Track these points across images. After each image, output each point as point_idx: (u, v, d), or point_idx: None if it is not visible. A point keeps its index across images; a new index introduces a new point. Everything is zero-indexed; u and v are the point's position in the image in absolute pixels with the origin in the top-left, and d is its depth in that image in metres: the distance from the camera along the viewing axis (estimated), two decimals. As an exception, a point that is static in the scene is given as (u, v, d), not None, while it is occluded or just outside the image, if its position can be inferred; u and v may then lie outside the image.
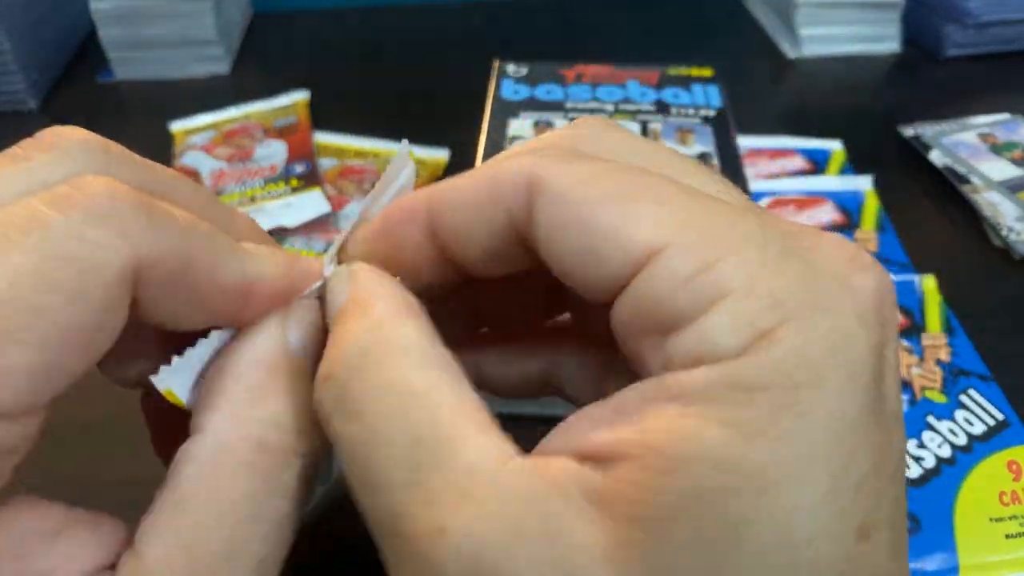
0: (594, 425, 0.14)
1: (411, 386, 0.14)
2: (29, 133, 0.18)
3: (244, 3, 0.75)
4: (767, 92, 0.68)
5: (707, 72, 0.44)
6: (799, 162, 0.56)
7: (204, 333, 0.17)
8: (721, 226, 0.14)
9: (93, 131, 0.17)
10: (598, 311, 0.15)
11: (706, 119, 0.41)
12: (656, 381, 0.13)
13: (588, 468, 0.13)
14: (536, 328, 0.21)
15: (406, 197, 0.17)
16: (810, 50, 0.70)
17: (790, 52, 0.71)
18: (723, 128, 0.40)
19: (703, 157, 0.38)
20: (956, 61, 0.69)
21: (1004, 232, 0.49)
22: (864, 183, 0.53)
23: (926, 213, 0.52)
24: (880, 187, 0.52)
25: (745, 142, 0.57)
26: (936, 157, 0.55)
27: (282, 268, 0.17)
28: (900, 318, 0.14)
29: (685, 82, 0.44)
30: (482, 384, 0.20)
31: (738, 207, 0.14)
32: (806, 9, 0.69)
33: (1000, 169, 0.54)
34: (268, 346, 0.16)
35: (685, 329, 0.13)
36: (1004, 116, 0.59)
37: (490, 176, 0.15)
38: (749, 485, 0.12)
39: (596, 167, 0.15)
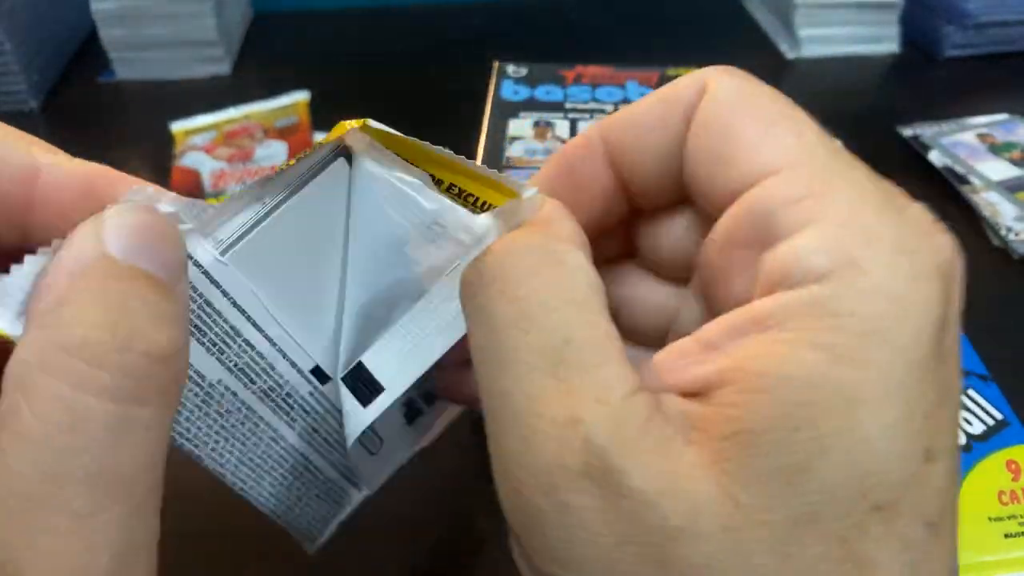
0: (688, 361, 0.15)
1: (577, 294, 0.15)
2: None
3: (244, 4, 0.75)
4: (766, 92, 0.68)
5: (706, 73, 0.44)
6: (798, 162, 0.56)
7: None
8: (834, 167, 0.15)
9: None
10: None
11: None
12: (743, 311, 0.15)
13: (691, 402, 0.15)
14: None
15: (580, 134, 0.19)
16: (809, 51, 0.70)
17: (789, 52, 0.71)
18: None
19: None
20: (955, 61, 0.69)
21: (1003, 232, 0.49)
22: (863, 183, 0.53)
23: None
24: (879, 187, 0.52)
25: (744, 142, 0.57)
26: (935, 157, 0.55)
27: (81, 167, 0.16)
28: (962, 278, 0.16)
29: (684, 82, 0.44)
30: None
31: (853, 160, 0.16)
32: (805, 10, 0.69)
33: (999, 169, 0.54)
34: (79, 253, 0.14)
35: (780, 244, 0.15)
36: (1003, 116, 0.60)
37: (664, 91, 0.17)
38: (836, 402, 0.13)
39: (756, 87, 0.17)
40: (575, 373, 0.14)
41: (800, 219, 0.15)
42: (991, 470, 0.34)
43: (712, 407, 0.14)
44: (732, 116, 0.16)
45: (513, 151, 0.39)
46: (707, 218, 0.17)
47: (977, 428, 0.36)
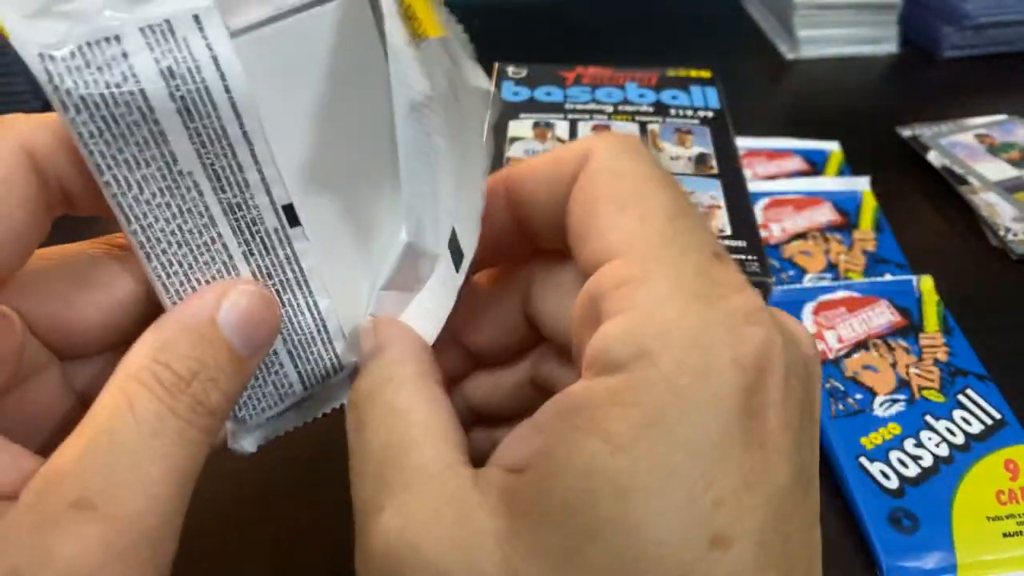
0: (519, 442, 0.16)
1: (396, 408, 0.18)
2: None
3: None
4: (765, 93, 0.68)
5: (705, 74, 0.45)
6: (797, 163, 0.56)
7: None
8: (663, 255, 0.16)
9: None
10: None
11: (704, 120, 0.41)
12: (562, 397, 0.16)
13: (510, 476, 0.16)
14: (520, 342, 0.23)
15: (490, 177, 0.20)
16: (808, 51, 0.71)
17: (788, 53, 0.71)
18: (721, 129, 0.40)
19: (702, 158, 0.38)
20: (954, 62, 0.69)
21: (1001, 232, 0.49)
22: (862, 184, 0.53)
23: (924, 214, 0.52)
24: (878, 188, 0.53)
25: (743, 143, 0.57)
26: (934, 158, 0.56)
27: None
28: (808, 371, 0.16)
29: (683, 84, 0.44)
30: (476, 410, 0.23)
31: (693, 246, 0.16)
32: (804, 11, 0.69)
33: (997, 170, 0.54)
34: (194, 310, 0.18)
35: (597, 329, 0.15)
36: (1001, 117, 0.60)
37: (559, 152, 0.19)
38: (609, 491, 0.14)
39: (628, 162, 0.17)
40: (390, 470, 0.17)
41: (617, 307, 0.15)
42: (990, 470, 0.35)
43: (521, 484, 0.15)
44: (595, 193, 0.17)
45: (513, 152, 0.39)
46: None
47: (976, 428, 0.36)
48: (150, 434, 0.16)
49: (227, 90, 0.16)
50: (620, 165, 0.17)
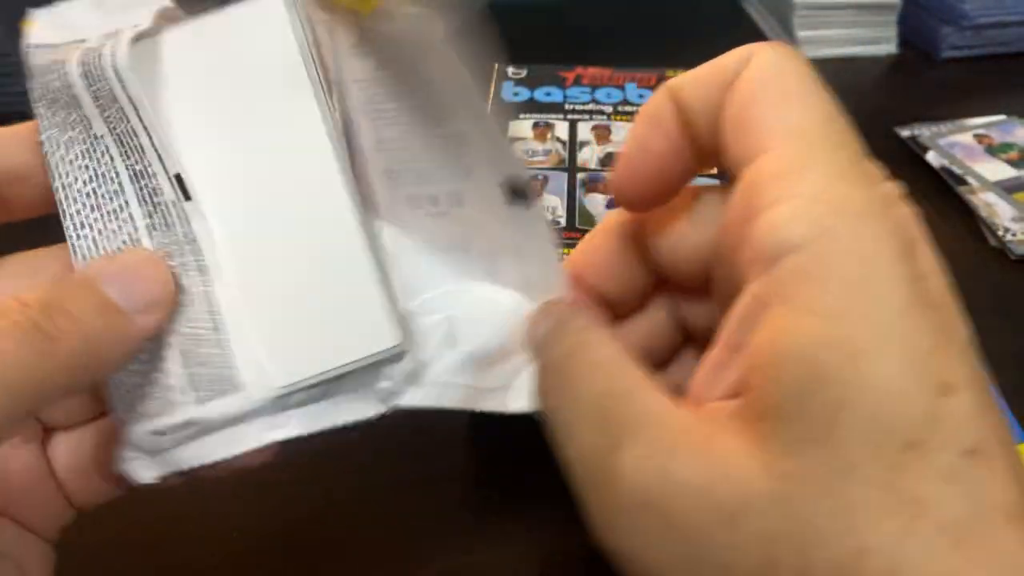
0: (720, 369, 0.17)
1: (603, 363, 0.18)
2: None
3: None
4: (765, 94, 0.68)
5: (705, 74, 0.45)
6: (797, 163, 0.56)
7: None
8: (821, 145, 0.17)
9: None
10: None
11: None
12: (744, 298, 0.16)
13: (731, 402, 0.16)
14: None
15: (653, 95, 0.20)
16: (808, 52, 0.71)
17: (788, 54, 0.71)
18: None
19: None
20: (953, 63, 0.69)
21: (1000, 232, 0.49)
22: (861, 184, 0.53)
23: (923, 214, 0.52)
24: (877, 188, 0.53)
25: (743, 143, 0.57)
26: (933, 158, 0.56)
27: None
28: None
29: (683, 84, 0.44)
30: None
31: (844, 140, 0.17)
32: (803, 11, 0.69)
33: (996, 170, 0.54)
34: (85, 267, 0.19)
35: (758, 221, 0.16)
36: (1000, 117, 0.60)
37: (721, 57, 0.19)
38: (839, 358, 0.14)
39: (789, 64, 0.18)
40: (614, 413, 0.17)
41: (780, 194, 0.16)
42: (989, 469, 0.35)
43: (748, 399, 0.15)
44: (755, 91, 0.18)
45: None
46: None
47: (975, 427, 0.36)
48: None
49: (114, 66, 0.19)
50: (782, 65, 0.18)
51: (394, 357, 0.20)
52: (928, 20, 0.70)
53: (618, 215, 0.22)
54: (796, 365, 0.14)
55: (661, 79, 0.44)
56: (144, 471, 0.20)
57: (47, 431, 0.22)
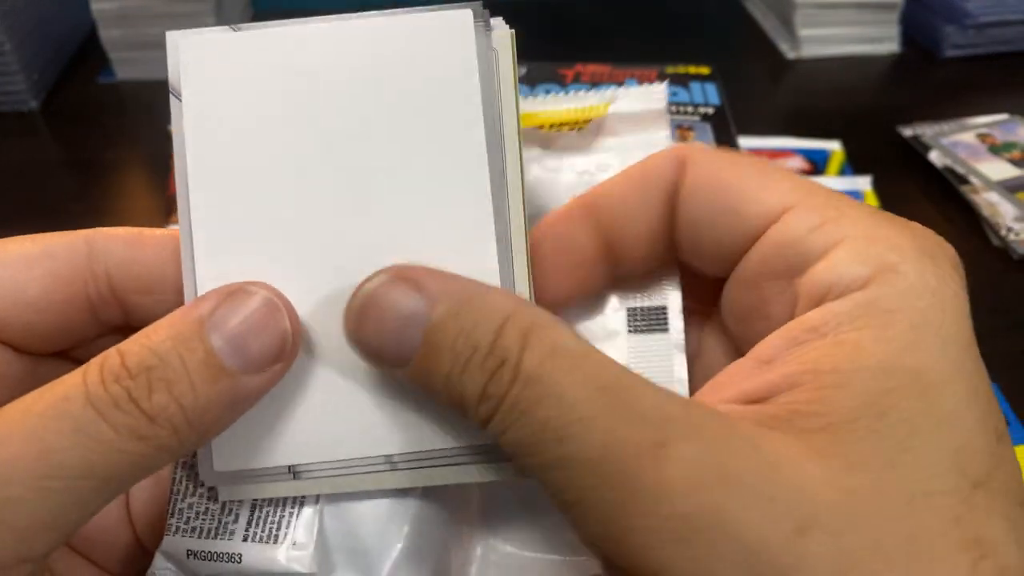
0: (744, 377, 0.16)
1: (576, 348, 0.15)
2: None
3: (244, 3, 0.75)
4: (766, 93, 0.68)
5: (705, 70, 0.45)
6: (798, 162, 0.56)
7: None
8: (836, 197, 0.17)
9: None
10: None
11: (705, 116, 0.41)
12: (795, 324, 0.16)
13: (752, 406, 0.15)
14: None
15: (566, 204, 0.20)
16: (809, 51, 0.70)
17: (789, 53, 0.71)
18: (722, 125, 0.40)
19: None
20: (955, 62, 0.69)
21: (1003, 232, 0.49)
22: (863, 183, 0.53)
23: (925, 213, 0.52)
24: (879, 187, 0.53)
25: (744, 142, 0.57)
26: (935, 157, 0.55)
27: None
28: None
29: (683, 80, 0.44)
30: None
31: (838, 193, 0.17)
32: (805, 10, 0.69)
33: (999, 169, 0.54)
34: (193, 306, 0.16)
35: (816, 265, 0.16)
36: (1003, 116, 0.60)
37: (640, 166, 0.19)
38: (913, 386, 0.14)
39: (734, 153, 0.19)
40: (630, 407, 0.14)
41: (827, 241, 0.16)
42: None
43: (784, 407, 0.15)
44: (725, 176, 0.18)
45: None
46: (689, 276, 0.20)
47: (977, 428, 0.36)
48: (53, 416, 0.14)
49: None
50: (725, 154, 0.18)
51: None
52: (930, 19, 0.70)
53: (579, 199, 0.21)
54: (865, 387, 0.14)
55: (661, 76, 0.44)
56: (226, 492, 0.18)
57: None
